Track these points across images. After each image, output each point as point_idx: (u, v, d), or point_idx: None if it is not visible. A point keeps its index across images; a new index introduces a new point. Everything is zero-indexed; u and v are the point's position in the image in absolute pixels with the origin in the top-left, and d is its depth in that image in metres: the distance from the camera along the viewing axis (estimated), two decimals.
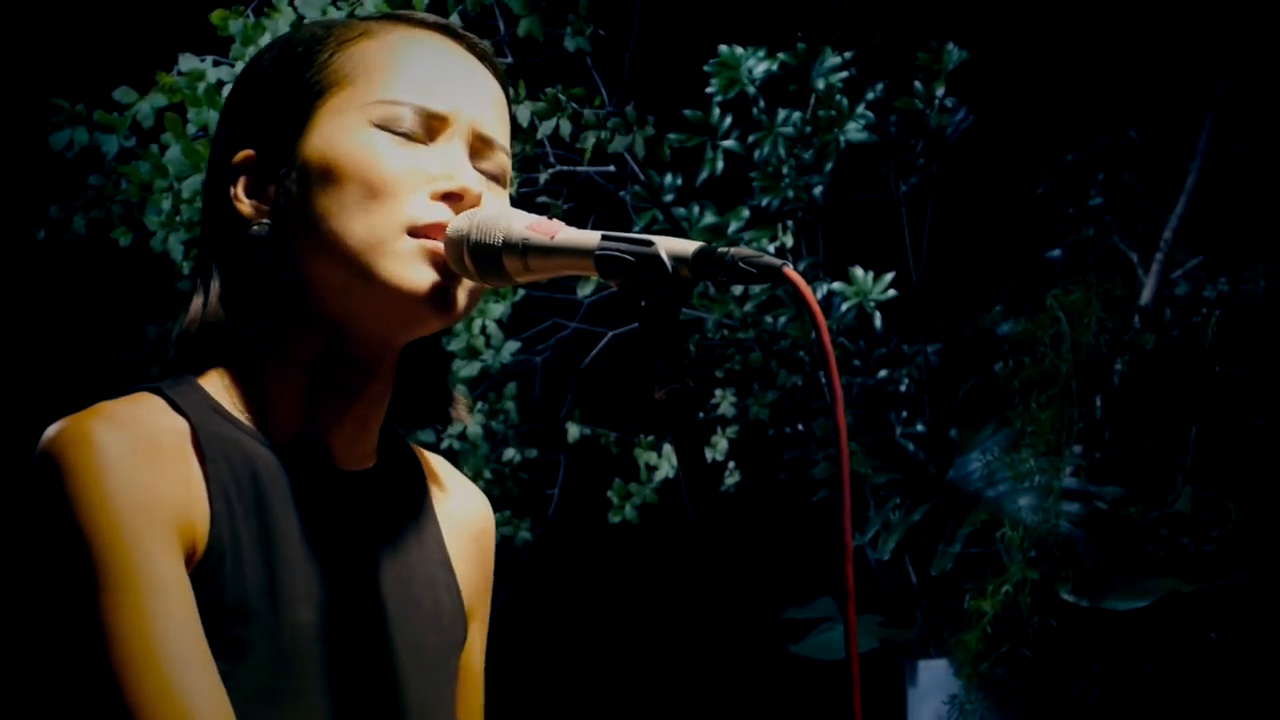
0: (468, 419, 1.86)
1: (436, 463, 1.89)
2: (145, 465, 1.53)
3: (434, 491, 1.84)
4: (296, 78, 1.68)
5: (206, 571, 1.54)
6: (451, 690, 1.77)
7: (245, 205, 1.67)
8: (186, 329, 1.67)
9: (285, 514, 1.62)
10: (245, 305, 1.67)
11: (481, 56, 1.74)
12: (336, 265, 1.62)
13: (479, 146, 1.69)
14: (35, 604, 1.50)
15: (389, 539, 1.72)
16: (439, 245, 1.61)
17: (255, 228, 1.66)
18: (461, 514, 1.87)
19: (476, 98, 1.70)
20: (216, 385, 1.66)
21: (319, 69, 1.68)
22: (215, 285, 1.68)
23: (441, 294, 1.62)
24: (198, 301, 1.68)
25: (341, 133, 1.64)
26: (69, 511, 1.48)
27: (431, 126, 1.66)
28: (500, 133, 1.72)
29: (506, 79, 1.77)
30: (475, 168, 1.68)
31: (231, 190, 1.68)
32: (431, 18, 1.74)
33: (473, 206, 1.64)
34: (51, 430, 1.53)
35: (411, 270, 1.61)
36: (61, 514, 1.49)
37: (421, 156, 1.64)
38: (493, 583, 1.93)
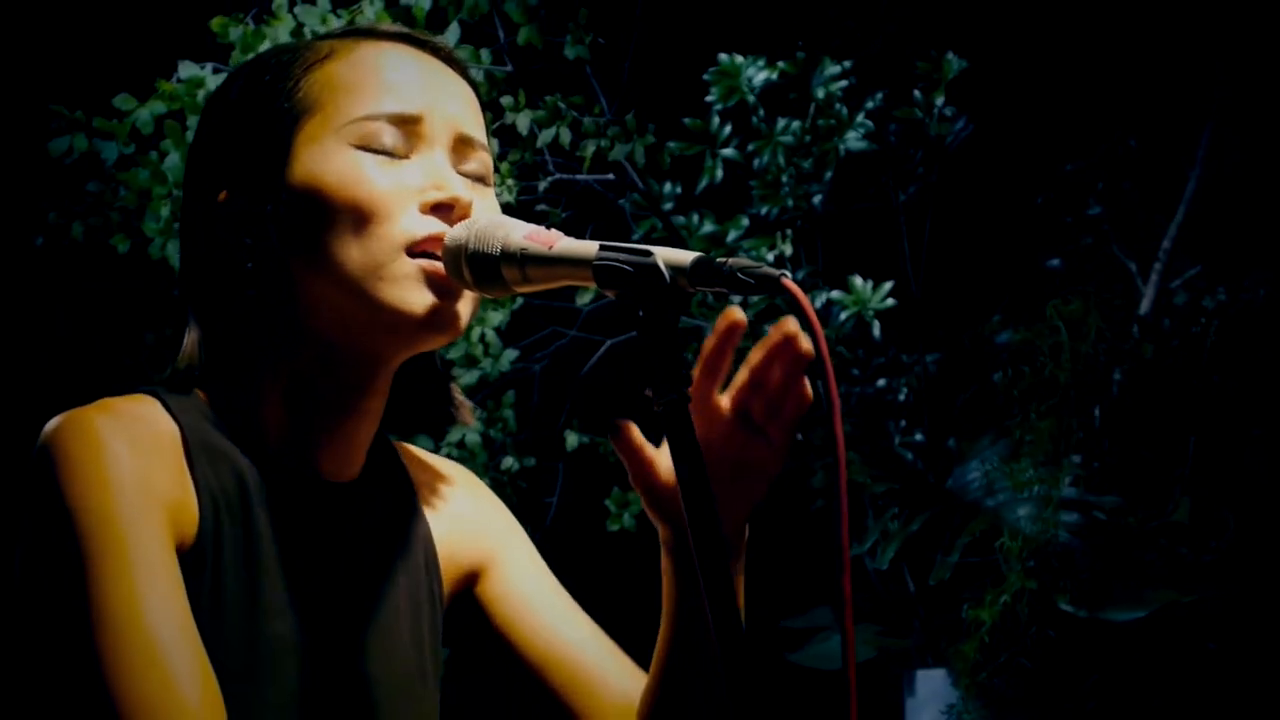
0: (470, 420, 1.87)
1: (419, 458, 1.89)
2: (143, 457, 1.54)
3: (420, 489, 1.84)
4: (267, 108, 1.67)
5: (187, 573, 1.55)
6: (429, 703, 1.77)
7: (232, 239, 1.66)
8: (179, 367, 1.67)
9: (269, 526, 1.63)
10: (238, 338, 1.67)
11: (447, 60, 1.74)
12: (336, 292, 1.62)
13: (459, 148, 1.69)
14: (29, 583, 1.50)
15: (371, 550, 1.72)
16: (437, 265, 1.61)
17: (247, 262, 1.66)
18: (448, 496, 1.87)
19: (448, 99, 1.70)
20: (213, 399, 1.66)
21: (288, 96, 1.67)
22: (206, 321, 1.68)
23: (441, 313, 1.62)
24: (190, 338, 1.68)
25: (323, 159, 1.63)
26: (67, 493, 1.50)
27: (409, 134, 1.65)
28: (477, 130, 1.71)
29: (474, 78, 1.77)
30: (459, 170, 1.68)
31: (216, 229, 1.67)
32: (393, 28, 1.74)
33: (464, 214, 1.63)
34: (53, 422, 1.54)
35: (411, 293, 1.61)
36: (59, 496, 1.50)
37: (405, 170, 1.64)
38: (509, 519, 1.93)
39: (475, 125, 1.72)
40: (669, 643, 1.74)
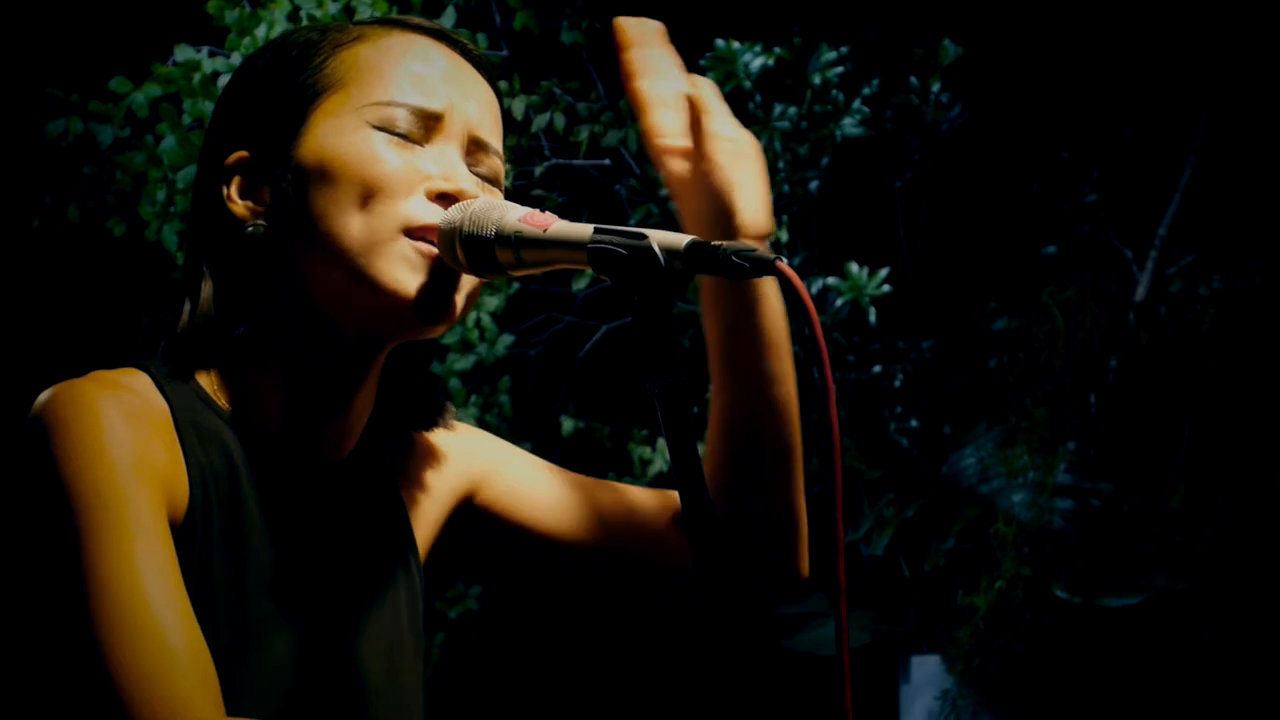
0: (453, 427, 1.87)
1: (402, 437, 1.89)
2: (137, 429, 1.54)
3: (394, 454, 1.84)
4: (291, 80, 1.69)
5: (178, 549, 1.55)
6: (414, 680, 1.77)
7: (239, 206, 1.68)
8: (178, 333, 1.67)
9: (256, 505, 1.63)
10: (237, 306, 1.68)
11: (476, 61, 1.75)
12: (332, 265, 1.62)
13: (473, 150, 1.70)
14: (23, 552, 1.50)
15: (357, 528, 1.73)
16: (435, 249, 1.62)
17: (250, 229, 1.67)
18: (416, 444, 1.87)
19: (471, 101, 1.71)
20: (204, 377, 1.67)
21: (314, 72, 1.68)
22: (207, 286, 1.68)
23: (434, 299, 1.62)
24: (189, 304, 1.68)
25: (338, 134, 1.64)
26: (62, 461, 1.50)
27: (427, 125, 1.67)
28: (494, 137, 1.73)
29: (499, 83, 1.78)
30: (470, 170, 1.69)
31: (225, 191, 1.69)
32: (427, 23, 1.76)
33: None
34: (46, 393, 1.54)
35: (405, 273, 1.61)
36: (54, 464, 1.50)
37: (418, 156, 1.65)
38: (487, 438, 1.94)
39: (492, 131, 1.73)
40: (721, 376, 1.79)
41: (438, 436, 1.89)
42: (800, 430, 1.84)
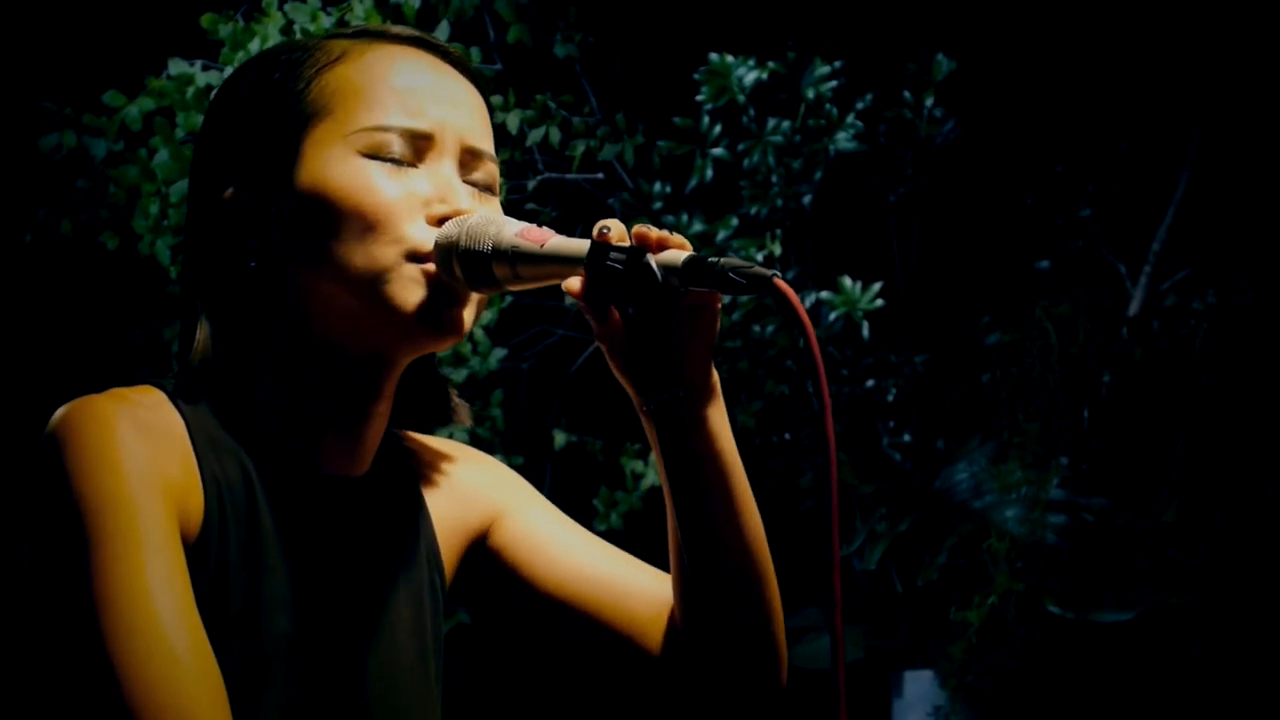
0: (467, 421, 1.87)
1: (421, 442, 1.89)
2: (152, 445, 1.55)
3: (422, 475, 1.84)
4: (276, 109, 1.67)
5: (192, 565, 1.55)
6: (429, 699, 1.77)
7: (237, 240, 1.67)
8: (188, 364, 1.67)
9: (273, 521, 1.63)
10: (244, 335, 1.67)
11: (458, 66, 1.74)
12: (339, 293, 1.62)
13: (467, 159, 1.69)
14: (35, 562, 1.51)
15: (375, 546, 1.72)
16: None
17: (251, 264, 1.66)
18: (447, 471, 1.88)
19: (458, 110, 1.69)
20: (217, 396, 1.66)
21: (298, 98, 1.66)
22: (211, 317, 1.68)
23: (442, 315, 1.62)
24: (195, 335, 1.68)
25: (331, 166, 1.63)
26: (75, 474, 1.50)
27: (418, 146, 1.65)
28: (485, 142, 1.71)
29: (485, 85, 1.77)
30: (466, 180, 1.68)
31: (221, 226, 1.67)
32: (406, 32, 1.73)
33: None
34: (63, 408, 1.55)
35: (412, 294, 1.61)
36: (67, 477, 1.50)
37: (413, 180, 1.64)
38: (511, 475, 1.93)
39: (483, 136, 1.72)
40: (674, 519, 1.74)
41: (466, 466, 1.89)
42: (768, 553, 1.85)
